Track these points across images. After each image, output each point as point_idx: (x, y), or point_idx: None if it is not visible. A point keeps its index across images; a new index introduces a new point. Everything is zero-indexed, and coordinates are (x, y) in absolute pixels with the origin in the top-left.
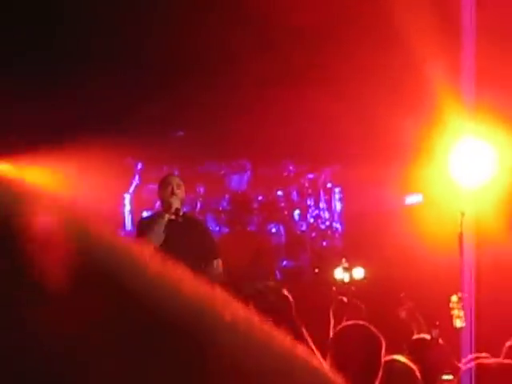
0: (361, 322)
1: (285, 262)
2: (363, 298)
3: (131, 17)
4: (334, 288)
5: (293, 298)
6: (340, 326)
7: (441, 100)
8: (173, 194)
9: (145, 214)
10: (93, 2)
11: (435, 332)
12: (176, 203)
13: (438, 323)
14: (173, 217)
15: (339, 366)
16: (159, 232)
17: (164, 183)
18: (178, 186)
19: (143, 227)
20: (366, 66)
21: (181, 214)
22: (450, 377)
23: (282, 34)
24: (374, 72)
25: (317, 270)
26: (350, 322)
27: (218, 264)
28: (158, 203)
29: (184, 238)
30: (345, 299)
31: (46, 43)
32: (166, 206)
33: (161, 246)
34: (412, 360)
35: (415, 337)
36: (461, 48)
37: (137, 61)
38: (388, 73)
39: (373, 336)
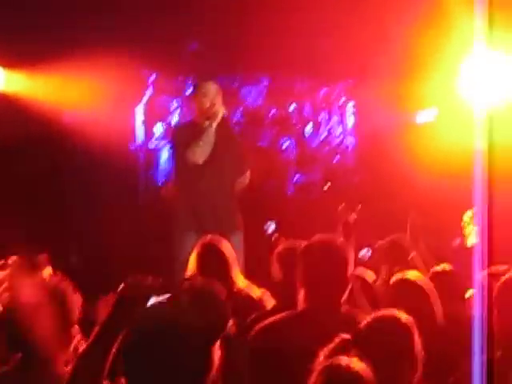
0: (329, 236)
1: (297, 177)
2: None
3: None
4: (340, 206)
5: (302, 212)
6: (309, 241)
7: (453, 7)
8: (214, 103)
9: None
10: None
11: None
12: (220, 111)
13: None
14: (215, 125)
15: (307, 278)
16: (207, 144)
17: (200, 92)
18: (217, 94)
19: (184, 137)
20: None
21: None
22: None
23: None
24: None
25: (327, 186)
26: (319, 236)
27: (247, 176)
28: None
29: (219, 146)
30: (352, 217)
31: None
32: (210, 115)
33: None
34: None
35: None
36: None
37: None
38: None
39: (338, 251)
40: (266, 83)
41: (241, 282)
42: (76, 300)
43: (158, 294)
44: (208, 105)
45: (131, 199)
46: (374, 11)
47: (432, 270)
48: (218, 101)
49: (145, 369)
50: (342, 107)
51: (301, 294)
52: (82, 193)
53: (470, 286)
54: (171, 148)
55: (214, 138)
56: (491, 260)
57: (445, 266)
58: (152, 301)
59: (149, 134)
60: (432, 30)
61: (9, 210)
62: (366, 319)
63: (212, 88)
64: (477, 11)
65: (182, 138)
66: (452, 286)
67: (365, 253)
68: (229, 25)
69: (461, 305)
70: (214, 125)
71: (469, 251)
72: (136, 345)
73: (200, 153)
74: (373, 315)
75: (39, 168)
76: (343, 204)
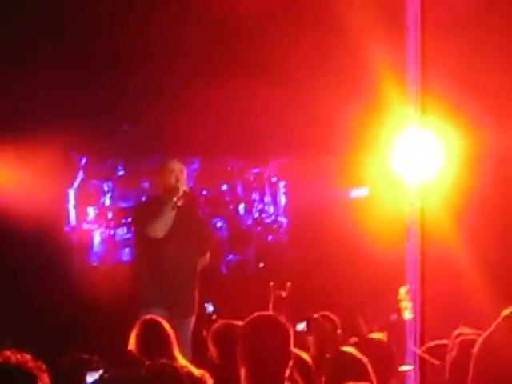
0: (269, 313)
1: (230, 256)
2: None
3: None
4: (271, 283)
5: (237, 291)
6: (250, 317)
7: (385, 87)
8: (178, 179)
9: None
10: None
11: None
12: (183, 187)
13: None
14: (179, 202)
15: (249, 355)
16: (168, 218)
17: (167, 169)
18: (182, 172)
19: (144, 213)
20: (310, 57)
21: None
22: (408, 367)
23: (220, 27)
24: (318, 62)
25: (262, 265)
26: (259, 313)
27: (207, 257)
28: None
29: (184, 224)
30: (283, 294)
31: None
32: (173, 190)
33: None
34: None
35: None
36: (405, 34)
37: (78, 54)
38: (331, 63)
39: (280, 326)
40: (197, 164)
41: (181, 360)
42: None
43: (95, 370)
44: (173, 181)
45: (65, 280)
46: (305, 90)
47: (368, 337)
48: (183, 178)
49: None
50: (274, 186)
51: (242, 372)
52: (12, 275)
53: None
54: (132, 224)
55: (178, 215)
56: (426, 335)
57: (380, 336)
58: (90, 377)
59: (81, 216)
60: (365, 107)
61: None
62: None
63: (178, 165)
64: (409, 93)
65: (143, 213)
66: (386, 356)
67: (303, 327)
68: (158, 106)
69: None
70: (176, 201)
71: (404, 325)
72: None
73: (159, 228)
74: None
75: None
76: (272, 282)
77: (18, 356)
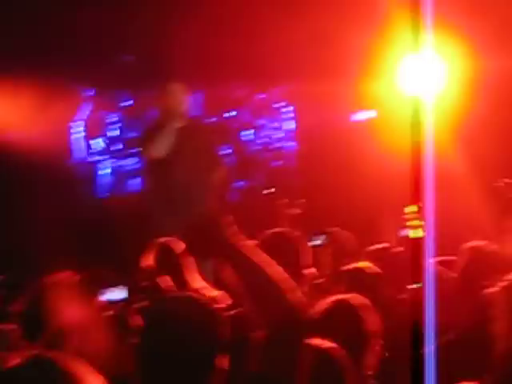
0: (283, 229)
1: (239, 183)
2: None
3: None
4: (282, 202)
5: (247, 216)
6: (265, 233)
7: (391, 11)
8: (177, 101)
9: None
10: None
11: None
12: (181, 108)
13: None
14: (178, 122)
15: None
16: (165, 138)
17: (166, 91)
18: (181, 93)
19: (145, 137)
20: None
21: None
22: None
23: None
24: None
25: (271, 190)
26: (275, 230)
27: (222, 171)
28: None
29: (190, 144)
30: (298, 211)
31: None
32: (171, 111)
33: (168, 153)
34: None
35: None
36: None
37: None
38: None
39: (293, 240)
40: (203, 92)
41: (197, 282)
42: None
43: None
44: (172, 103)
45: (72, 212)
46: (310, 11)
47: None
48: (182, 100)
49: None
50: (280, 112)
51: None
52: (21, 211)
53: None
54: (138, 148)
55: (182, 138)
56: (438, 250)
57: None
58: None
59: (88, 147)
60: (372, 29)
61: None
62: (323, 305)
63: (177, 87)
64: (415, 14)
65: (144, 137)
66: (401, 270)
67: (319, 241)
68: (163, 35)
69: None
70: (175, 120)
71: (414, 242)
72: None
73: (155, 148)
74: (330, 300)
75: None
76: (285, 200)
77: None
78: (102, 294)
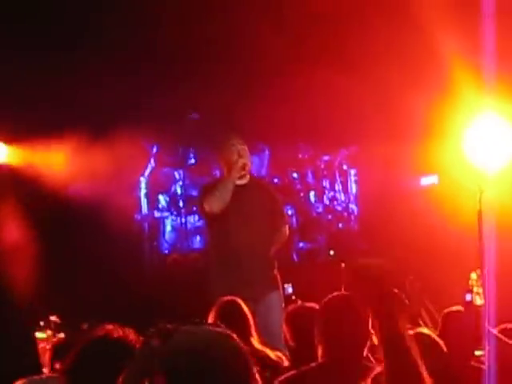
0: (347, 293)
1: (301, 244)
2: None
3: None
4: (342, 264)
5: (308, 279)
6: (328, 297)
7: (457, 74)
8: (240, 154)
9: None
10: None
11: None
12: (247, 161)
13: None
14: (243, 179)
15: (328, 336)
16: (225, 192)
17: (227, 144)
18: (242, 145)
19: (207, 191)
20: (381, 45)
21: (248, 174)
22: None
23: (296, 17)
24: (389, 50)
25: (332, 252)
26: (337, 294)
27: (285, 230)
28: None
29: (255, 203)
30: None
31: (59, 28)
32: (234, 164)
33: (229, 211)
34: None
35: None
36: (479, 19)
37: (151, 46)
38: (403, 50)
39: (358, 306)
40: (267, 152)
41: (256, 343)
42: None
43: None
44: (235, 156)
45: (137, 268)
46: (375, 77)
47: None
48: (244, 153)
49: None
50: (345, 174)
51: (320, 351)
52: (89, 262)
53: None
54: (198, 202)
55: (246, 194)
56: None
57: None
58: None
59: (152, 204)
60: (436, 95)
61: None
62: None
63: (239, 141)
64: (483, 78)
65: (204, 192)
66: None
67: None
68: (228, 94)
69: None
70: (235, 174)
71: (477, 309)
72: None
73: (214, 201)
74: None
75: (44, 240)
76: (343, 264)
77: (120, 330)
78: None
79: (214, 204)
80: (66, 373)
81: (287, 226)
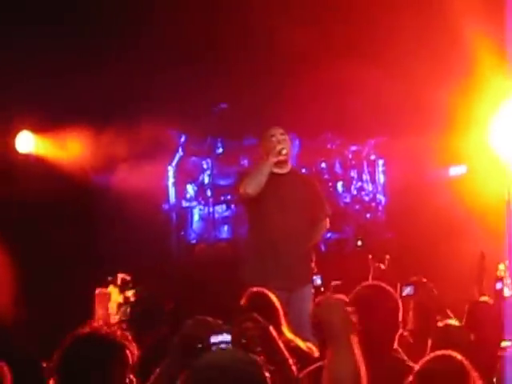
0: (378, 283)
1: (329, 234)
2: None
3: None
4: (370, 256)
5: (335, 268)
6: (359, 287)
7: (482, 63)
8: (279, 141)
9: None
10: None
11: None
12: (286, 148)
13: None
14: (284, 169)
15: (359, 327)
16: (261, 175)
17: (267, 134)
18: (283, 135)
19: (243, 174)
20: (408, 37)
21: (289, 164)
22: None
23: (324, 7)
24: (415, 41)
25: (360, 243)
26: (368, 283)
27: (326, 223)
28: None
29: (295, 193)
30: (382, 266)
31: (89, 18)
32: (273, 150)
33: (268, 198)
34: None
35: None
36: (504, 10)
37: (179, 37)
38: (429, 41)
39: (388, 295)
40: (297, 142)
41: (288, 333)
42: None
43: (219, 333)
44: (274, 144)
45: (165, 257)
46: (402, 68)
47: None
48: (284, 141)
49: None
50: (373, 164)
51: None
52: (116, 252)
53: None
54: (236, 185)
55: (285, 184)
56: None
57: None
58: (214, 339)
59: (180, 193)
60: (462, 85)
61: (40, 273)
62: (424, 359)
63: (279, 131)
64: (507, 70)
65: (242, 176)
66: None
67: (408, 290)
68: (257, 85)
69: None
70: (272, 158)
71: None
72: None
73: (250, 184)
74: (430, 356)
75: (71, 230)
76: (371, 255)
77: (106, 328)
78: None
79: (248, 186)
80: (55, 371)
81: (328, 220)
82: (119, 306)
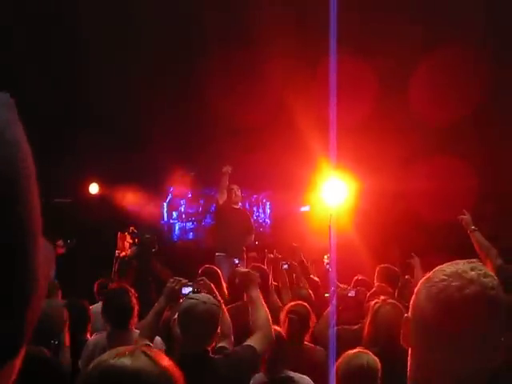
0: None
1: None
2: None
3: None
4: (265, 250)
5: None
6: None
7: (318, 157)
8: (236, 194)
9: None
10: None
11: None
12: (238, 194)
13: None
14: (237, 205)
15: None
16: (222, 189)
17: (234, 188)
18: (238, 190)
19: (222, 210)
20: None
21: (239, 203)
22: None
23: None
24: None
25: (256, 243)
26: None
27: (253, 235)
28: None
29: (240, 216)
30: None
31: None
32: (237, 199)
33: (228, 217)
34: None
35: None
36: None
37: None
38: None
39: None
40: (238, 192)
41: (224, 289)
42: None
43: (186, 287)
44: (234, 195)
45: (161, 248)
46: (286, 156)
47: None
48: (239, 194)
49: None
50: (264, 204)
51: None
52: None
53: None
54: (214, 214)
55: (237, 213)
56: None
57: None
58: (184, 290)
59: (169, 216)
60: (311, 165)
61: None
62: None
63: (235, 187)
64: (331, 159)
65: (222, 210)
66: None
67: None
68: (207, 154)
69: None
70: (236, 206)
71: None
72: None
73: (219, 195)
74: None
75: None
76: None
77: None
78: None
79: (220, 197)
80: None
81: (253, 234)
82: (130, 245)
